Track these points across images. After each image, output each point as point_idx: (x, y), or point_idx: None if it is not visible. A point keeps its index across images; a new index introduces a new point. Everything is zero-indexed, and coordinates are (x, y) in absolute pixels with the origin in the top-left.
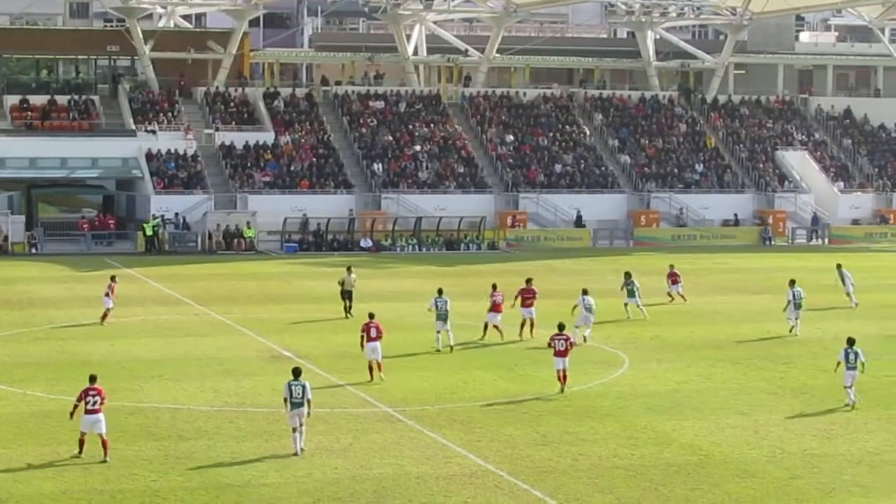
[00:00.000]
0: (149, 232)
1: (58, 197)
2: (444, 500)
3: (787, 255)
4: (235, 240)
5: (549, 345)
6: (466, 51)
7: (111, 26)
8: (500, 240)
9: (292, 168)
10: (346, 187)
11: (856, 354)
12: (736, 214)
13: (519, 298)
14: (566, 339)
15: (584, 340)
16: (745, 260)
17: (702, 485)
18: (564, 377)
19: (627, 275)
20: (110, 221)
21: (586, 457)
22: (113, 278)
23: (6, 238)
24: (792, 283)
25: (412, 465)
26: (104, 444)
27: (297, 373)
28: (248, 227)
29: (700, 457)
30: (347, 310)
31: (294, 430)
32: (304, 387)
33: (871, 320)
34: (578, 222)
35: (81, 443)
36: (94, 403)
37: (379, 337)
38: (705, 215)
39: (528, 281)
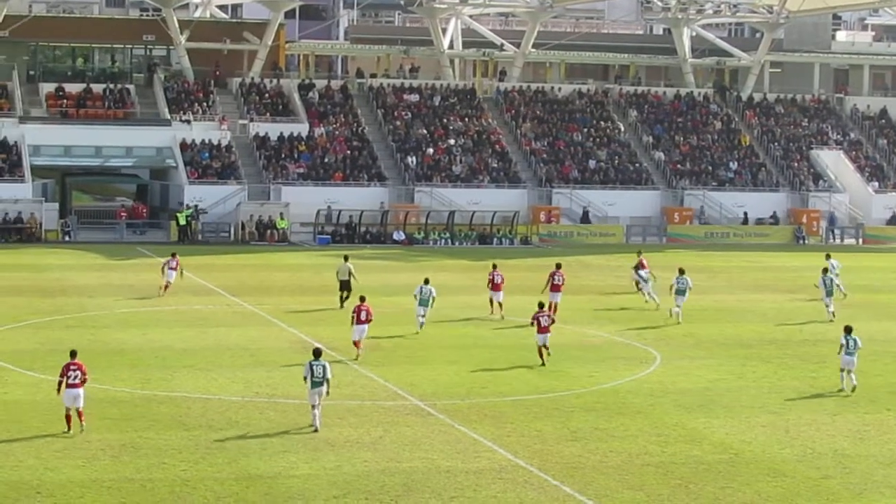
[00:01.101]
0: (182, 221)
1: (92, 185)
2: (473, 494)
3: (820, 255)
4: (268, 231)
5: (532, 322)
6: (502, 45)
7: (147, 15)
8: (532, 235)
9: (326, 160)
10: (380, 180)
11: (854, 342)
12: (775, 212)
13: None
14: (549, 316)
15: (678, 318)
16: (778, 259)
17: (732, 483)
18: (545, 351)
19: (681, 271)
20: (143, 210)
21: (616, 453)
22: (173, 255)
23: (40, 225)
24: (825, 270)
25: (442, 459)
26: (79, 415)
27: (317, 353)
28: (281, 219)
29: (730, 455)
30: (343, 300)
31: (313, 406)
32: (324, 367)
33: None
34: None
35: (68, 418)
36: (75, 378)
37: (368, 320)
38: (738, 213)
39: (558, 266)
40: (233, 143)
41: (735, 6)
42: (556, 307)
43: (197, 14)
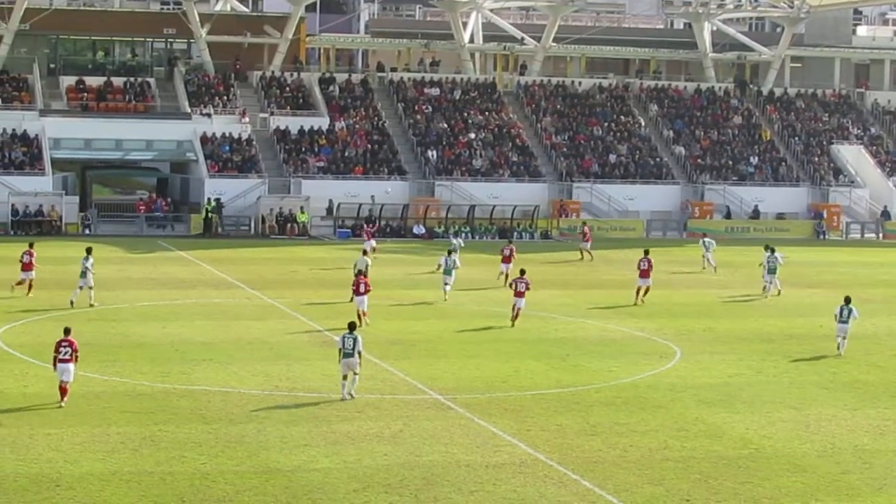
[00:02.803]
0: (209, 214)
1: (112, 178)
2: (493, 488)
3: (841, 250)
4: (288, 224)
5: (511, 285)
6: (522, 39)
7: (168, 9)
8: (553, 229)
9: (346, 154)
10: (400, 174)
11: (849, 311)
12: (756, 206)
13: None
14: (525, 283)
15: (778, 292)
16: (799, 253)
17: (752, 478)
18: (517, 316)
19: (771, 249)
20: (164, 204)
21: (636, 448)
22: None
23: (60, 218)
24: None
25: (462, 453)
26: (63, 389)
27: (351, 327)
28: (302, 212)
29: (751, 450)
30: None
31: (344, 377)
32: (355, 339)
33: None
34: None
35: (61, 391)
36: (65, 354)
37: (366, 291)
38: (759, 208)
39: (646, 252)
40: (253, 136)
41: (756, 0)
42: (646, 290)
43: (217, 7)
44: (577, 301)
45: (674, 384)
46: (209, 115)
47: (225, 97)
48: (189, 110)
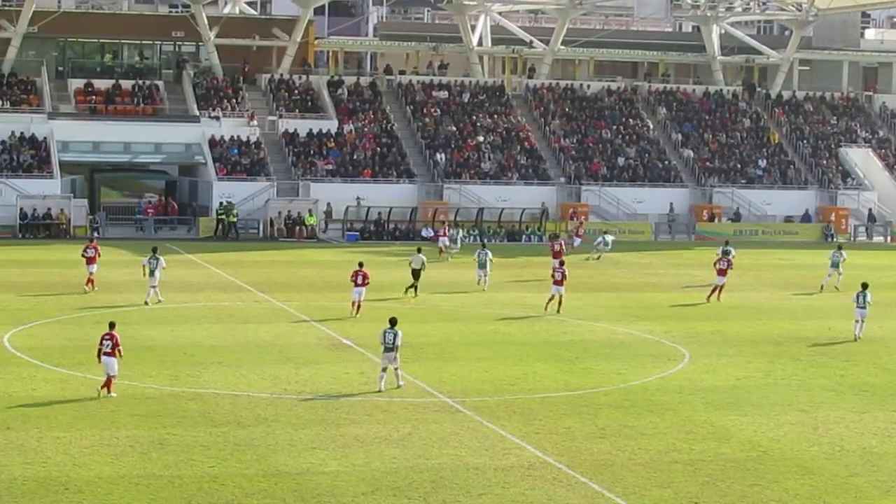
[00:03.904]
0: (232, 218)
1: (120, 181)
2: (501, 491)
3: (849, 253)
4: (297, 227)
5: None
6: (531, 42)
7: (176, 11)
8: (561, 232)
9: (355, 157)
10: (409, 177)
11: (864, 296)
12: (737, 209)
13: None
14: (563, 273)
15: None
16: (807, 256)
17: (760, 481)
18: (557, 302)
19: (839, 247)
20: (171, 207)
21: (645, 451)
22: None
23: (69, 221)
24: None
25: (470, 456)
26: (108, 382)
27: (392, 322)
28: (310, 215)
29: (759, 453)
30: (410, 287)
31: (383, 370)
32: (395, 334)
33: None
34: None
35: (107, 383)
36: (107, 347)
37: (365, 283)
38: (766, 211)
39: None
40: (262, 139)
41: (764, 4)
42: (720, 289)
43: (226, 10)
44: (586, 303)
45: (682, 387)
46: (218, 118)
47: (233, 100)
48: (197, 113)
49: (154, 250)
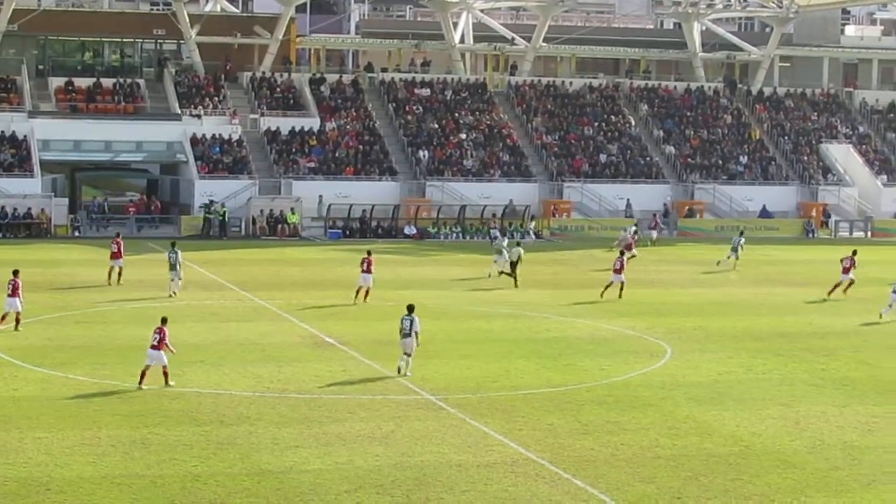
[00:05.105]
0: (220, 216)
1: (101, 180)
2: (484, 487)
3: (830, 248)
4: (279, 225)
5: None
6: (513, 39)
7: (157, 9)
8: (543, 228)
9: (337, 154)
10: (391, 174)
11: None
12: (691, 207)
13: None
14: (621, 262)
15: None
16: (789, 252)
17: (742, 475)
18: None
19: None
20: (153, 206)
21: (627, 446)
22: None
23: (49, 220)
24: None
25: (453, 453)
26: (164, 373)
27: (410, 309)
28: (292, 213)
29: (741, 447)
30: (514, 279)
31: (406, 354)
32: (412, 321)
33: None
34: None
35: (142, 374)
36: (155, 340)
37: (369, 270)
38: (748, 207)
39: (854, 253)
40: (243, 137)
41: (745, 1)
42: (840, 286)
43: (207, 8)
44: (568, 300)
45: (665, 382)
46: (199, 116)
47: (215, 98)
48: (179, 111)
49: (173, 245)
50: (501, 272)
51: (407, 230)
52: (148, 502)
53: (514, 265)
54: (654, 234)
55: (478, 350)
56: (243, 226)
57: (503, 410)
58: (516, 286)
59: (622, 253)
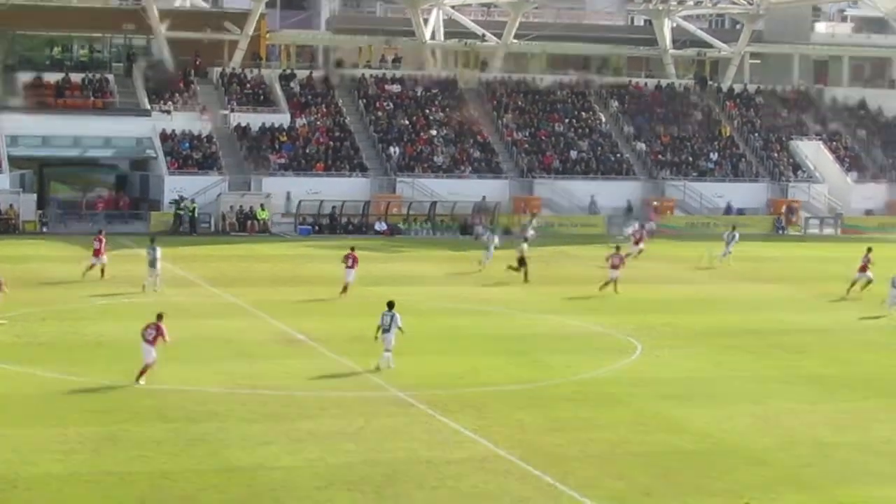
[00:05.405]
0: (190, 212)
1: (70, 176)
2: (454, 484)
3: (800, 245)
4: (249, 221)
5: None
6: (483, 36)
7: (126, 4)
8: (514, 225)
9: (307, 150)
10: (362, 170)
11: None
12: (628, 201)
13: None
14: (620, 258)
15: None
16: (758, 249)
17: (712, 472)
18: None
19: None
20: (122, 202)
21: (597, 443)
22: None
23: (18, 216)
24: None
25: (423, 450)
26: (142, 370)
27: (390, 305)
28: (262, 209)
29: (711, 444)
30: (524, 275)
31: (386, 350)
32: (392, 316)
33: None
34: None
35: (141, 371)
36: (149, 336)
37: (353, 266)
38: (718, 204)
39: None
40: (213, 133)
41: None
42: (859, 285)
43: (177, 3)
44: (537, 297)
45: (634, 379)
46: (169, 112)
47: (185, 94)
48: (148, 107)
49: (152, 240)
50: (510, 267)
51: (377, 226)
52: (117, 500)
53: (522, 260)
54: (640, 247)
55: (447, 347)
56: (213, 222)
57: (473, 407)
58: (526, 280)
59: (618, 248)
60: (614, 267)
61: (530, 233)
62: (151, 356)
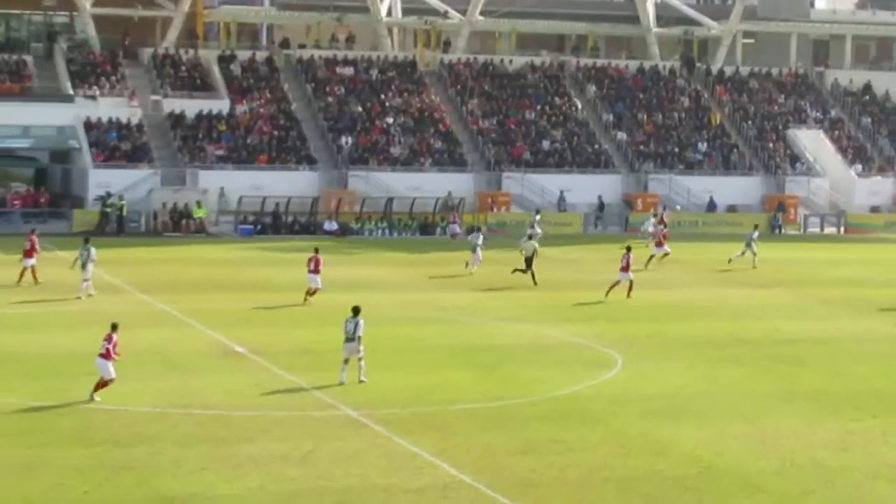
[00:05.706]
0: (118, 210)
1: None
2: None
3: (799, 245)
4: (184, 220)
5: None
6: (446, 13)
7: None
8: (480, 224)
9: (249, 141)
10: (310, 163)
11: None
12: (600, 197)
13: None
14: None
15: None
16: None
17: (702, 499)
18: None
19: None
20: (42, 198)
21: (574, 467)
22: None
23: None
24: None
25: (379, 477)
26: (98, 384)
27: (355, 311)
28: (199, 207)
29: (700, 468)
30: (531, 277)
31: (345, 361)
32: (356, 324)
33: (888, 318)
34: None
35: (96, 385)
36: (102, 348)
37: (317, 270)
38: (707, 200)
39: None
40: (144, 121)
41: None
42: None
43: None
44: (508, 303)
45: (615, 396)
46: (94, 98)
47: (112, 77)
48: (71, 92)
49: (86, 241)
50: (515, 270)
51: (327, 226)
52: None
53: (529, 261)
54: (664, 249)
55: (407, 360)
56: (143, 221)
57: (435, 427)
58: (535, 283)
59: (629, 249)
60: (623, 269)
61: (537, 231)
62: (108, 372)
